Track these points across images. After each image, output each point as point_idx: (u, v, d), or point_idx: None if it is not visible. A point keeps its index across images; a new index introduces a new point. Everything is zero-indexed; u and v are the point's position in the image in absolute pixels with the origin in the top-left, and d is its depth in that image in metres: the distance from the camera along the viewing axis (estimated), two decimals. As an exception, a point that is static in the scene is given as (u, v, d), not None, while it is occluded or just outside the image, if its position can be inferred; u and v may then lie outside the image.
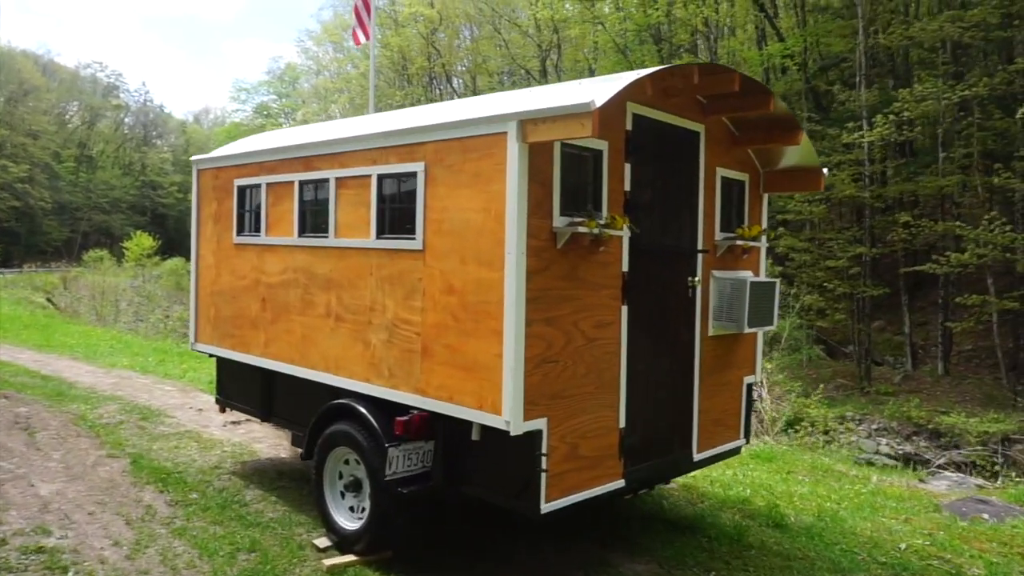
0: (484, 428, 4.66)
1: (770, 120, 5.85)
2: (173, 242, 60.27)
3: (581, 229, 4.56)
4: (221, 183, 6.91)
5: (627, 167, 5.11)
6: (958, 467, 12.56)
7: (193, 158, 7.33)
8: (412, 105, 39.53)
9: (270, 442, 8.39)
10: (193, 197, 7.32)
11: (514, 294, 4.34)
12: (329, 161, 5.67)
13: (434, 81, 49.69)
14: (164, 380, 12.36)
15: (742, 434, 6.46)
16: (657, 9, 32.92)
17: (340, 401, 5.46)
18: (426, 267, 4.89)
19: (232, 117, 68.48)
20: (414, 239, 4.96)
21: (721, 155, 5.98)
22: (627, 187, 5.11)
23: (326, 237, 5.70)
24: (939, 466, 11.23)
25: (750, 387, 6.53)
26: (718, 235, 5.98)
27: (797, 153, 6.14)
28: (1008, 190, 21.66)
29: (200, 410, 10.01)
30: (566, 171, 4.63)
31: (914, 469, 11.25)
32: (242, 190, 6.66)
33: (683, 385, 5.79)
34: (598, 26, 37.36)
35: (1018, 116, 20.33)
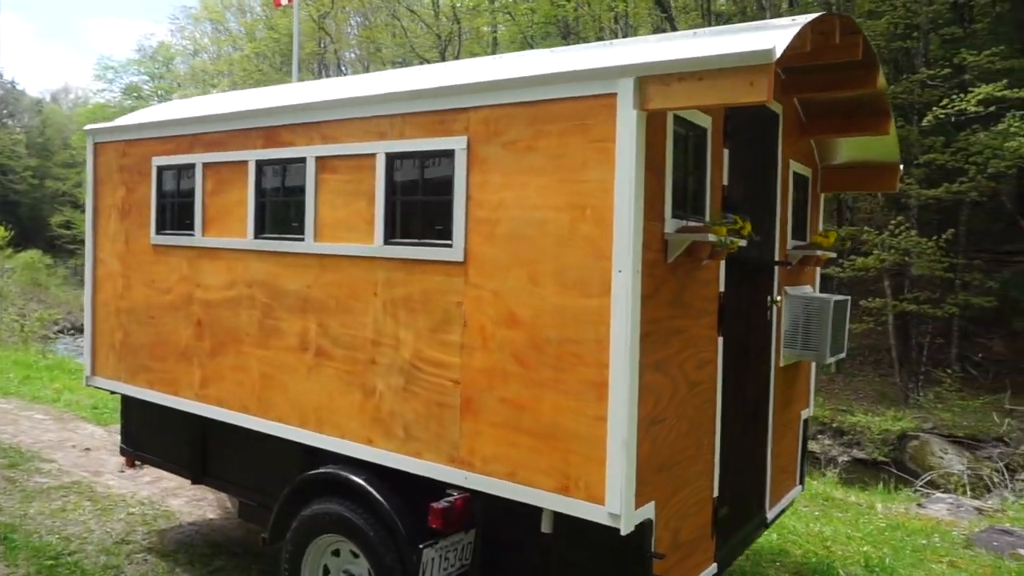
0: (560, 517, 3.28)
1: (855, 103, 4.77)
2: (27, 232, 54.07)
3: (704, 237, 3.27)
4: (133, 162, 5.11)
5: (725, 154, 3.86)
6: (931, 483, 12.28)
7: (88, 127, 5.45)
8: (306, 90, 37.11)
9: (188, 496, 6.58)
10: (88, 181, 5.44)
11: (626, 331, 2.98)
12: (306, 133, 4.08)
13: (326, 68, 46.98)
14: (33, 405, 10.04)
15: (799, 479, 5.40)
16: (569, 0, 32.14)
17: (328, 470, 3.90)
18: (469, 286, 3.44)
19: (96, 98, 62.37)
20: (449, 246, 3.49)
21: (791, 145, 4.85)
22: (725, 180, 3.87)
23: (300, 240, 4.11)
24: (919, 484, 10.81)
25: (806, 423, 5.47)
26: (789, 243, 4.86)
27: (875, 145, 5.11)
28: (905, 195, 22.28)
29: (87, 449, 7.97)
30: (676, 156, 3.32)
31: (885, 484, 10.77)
32: (165, 172, 4.90)
33: (760, 430, 4.62)
34: (503, 17, 36.19)
35: (918, 125, 20.88)
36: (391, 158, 3.70)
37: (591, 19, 34.10)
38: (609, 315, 3.02)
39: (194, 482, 5.08)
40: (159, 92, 57.77)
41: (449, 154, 3.49)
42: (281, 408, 4.22)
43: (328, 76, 45.67)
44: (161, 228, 4.94)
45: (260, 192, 4.32)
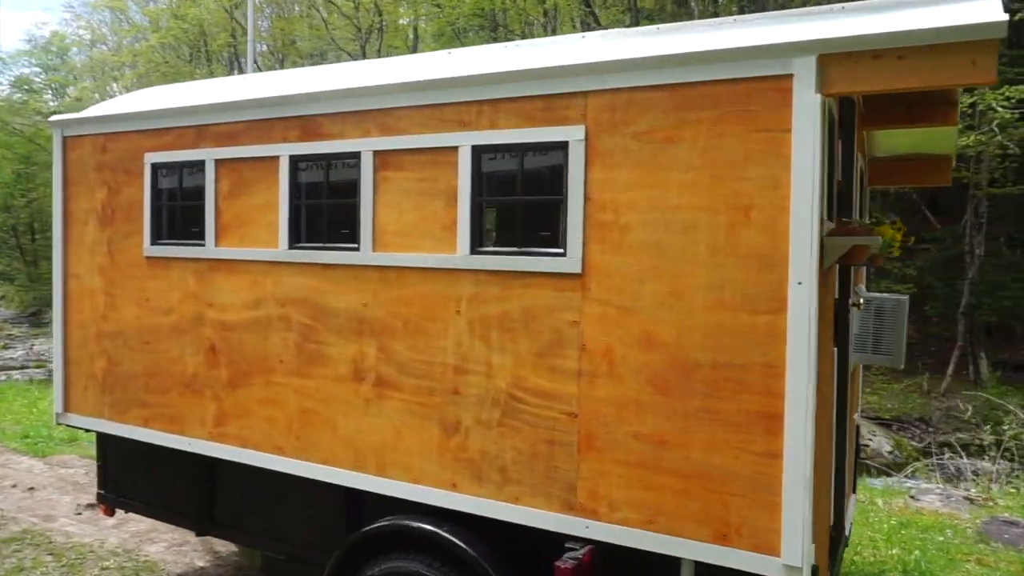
0: (705, 569, 2.82)
1: (920, 91, 4.51)
2: None
3: (871, 240, 2.87)
4: (117, 159, 4.30)
5: (839, 145, 3.49)
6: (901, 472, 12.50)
7: (56, 118, 4.58)
8: (221, 83, 35.27)
9: (166, 541, 5.76)
10: (56, 181, 4.58)
11: (806, 353, 2.55)
12: (360, 123, 3.44)
13: (239, 60, 44.76)
14: (-52, 438, 8.82)
15: (854, 487, 5.14)
16: (499, -9, 31.63)
17: (403, 521, 3.30)
18: (589, 302, 2.92)
19: (-21, 91, 57.49)
20: (561, 255, 2.96)
21: (857, 136, 4.55)
22: (839, 175, 3.50)
23: (353, 250, 3.47)
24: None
25: (858, 428, 5.22)
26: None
27: (932, 137, 4.87)
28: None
29: (31, 489, 6.94)
30: (825, 148, 2.91)
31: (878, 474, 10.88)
32: (162, 171, 4.14)
33: (841, 441, 4.30)
34: (427, 9, 35.31)
35: None
36: (478, 152, 3.14)
37: (516, 13, 33.73)
38: (783, 335, 2.57)
39: (199, 534, 4.34)
40: (53, 85, 53.77)
41: (560, 147, 2.95)
42: (328, 448, 3.58)
43: (240, 70, 43.53)
44: (158, 237, 4.17)
45: (296, 193, 3.65)
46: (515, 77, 3.03)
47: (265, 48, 46.42)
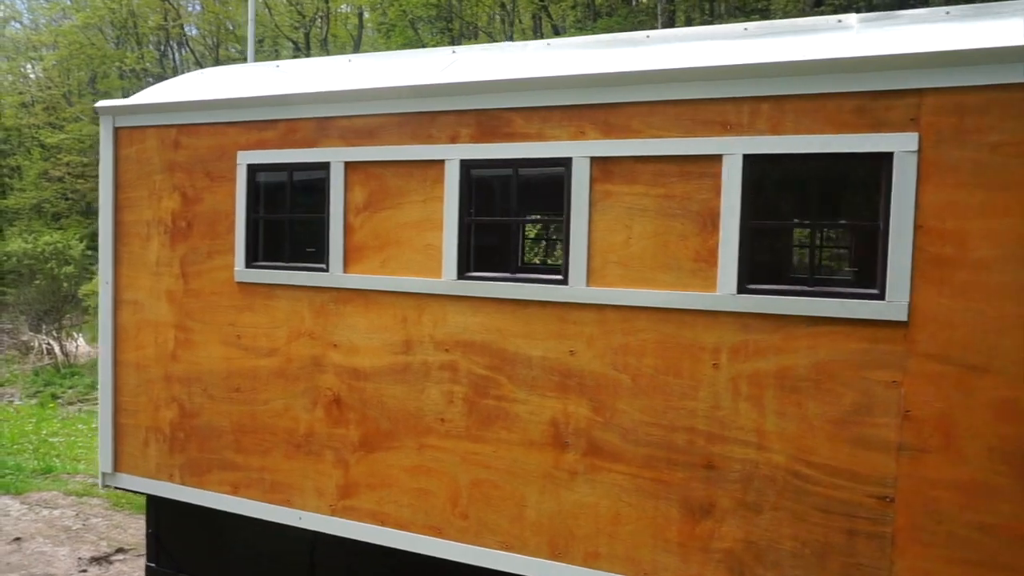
0: None
1: None
2: None
3: None
4: (195, 158, 3.41)
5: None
6: None
7: (103, 104, 3.62)
8: (150, 71, 33.04)
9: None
10: (104, 184, 3.63)
11: None
12: (568, 121, 2.70)
13: (168, 44, 42.26)
14: None
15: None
16: (458, -18, 30.70)
17: (637, 633, 2.59)
18: (917, 358, 2.28)
19: None
20: (877, 298, 2.31)
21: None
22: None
23: (559, 284, 2.73)
24: None
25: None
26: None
27: None
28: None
29: (17, 540, 5.84)
30: None
31: None
32: (262, 174, 3.28)
33: None
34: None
35: None
36: (752, 162, 2.45)
37: (472, 3, 32.84)
38: None
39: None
40: (-40, 64, 49.73)
41: (878, 159, 2.30)
42: (511, 531, 2.83)
43: (174, 55, 41.06)
44: (255, 258, 3.30)
45: (467, 208, 2.87)
46: (812, 68, 2.36)
47: (195, 32, 44.15)
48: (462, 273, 2.88)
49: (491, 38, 31.55)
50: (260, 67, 3.86)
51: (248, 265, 3.30)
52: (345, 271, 3.09)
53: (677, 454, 2.58)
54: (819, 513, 2.41)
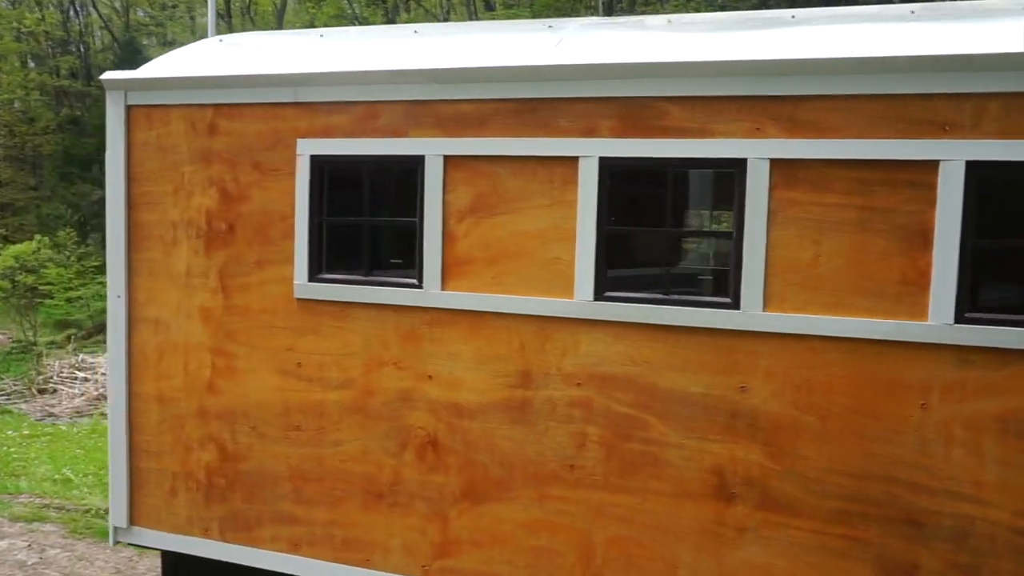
0: None
1: None
2: None
3: None
4: (239, 146, 2.78)
5: None
6: None
7: (110, 76, 2.93)
8: (52, 35, 30.38)
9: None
10: (114, 175, 2.95)
11: None
12: (744, 115, 2.27)
13: (75, 6, 39.09)
14: None
15: None
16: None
17: None
18: None
19: None
20: None
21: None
22: None
23: (727, 307, 2.31)
24: None
25: None
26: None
27: None
28: None
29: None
30: None
31: None
32: (330, 167, 2.70)
33: None
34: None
35: None
36: (978, 171, 2.09)
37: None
38: None
39: None
40: None
41: None
42: (660, 597, 2.41)
43: (79, 17, 38.01)
44: (320, 269, 2.73)
45: (606, 215, 2.40)
46: (1061, 61, 2.01)
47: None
48: (600, 293, 2.41)
49: (426, 11, 30.41)
50: (297, 35, 3.25)
51: (313, 278, 2.72)
52: (444, 288, 2.58)
53: (868, 507, 2.22)
54: (1049, 577, 2.10)
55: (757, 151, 2.26)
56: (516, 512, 2.54)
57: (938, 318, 2.13)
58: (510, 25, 2.99)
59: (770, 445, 2.29)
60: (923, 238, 2.15)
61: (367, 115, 2.64)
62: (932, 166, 2.12)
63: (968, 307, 2.12)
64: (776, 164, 2.25)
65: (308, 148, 2.70)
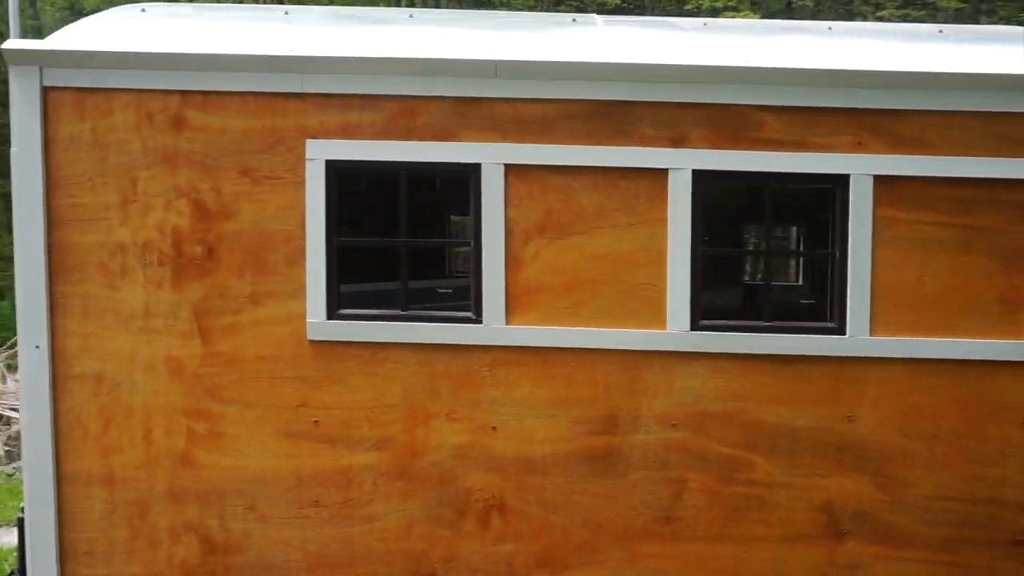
0: None
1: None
2: None
3: None
4: (219, 145, 2.14)
5: None
6: None
7: (15, 46, 2.11)
8: None
9: None
10: (26, 179, 2.14)
11: None
12: (844, 126, 2.12)
13: None
14: None
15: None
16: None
17: None
18: None
19: None
20: None
21: None
22: None
23: (833, 333, 2.14)
24: None
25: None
26: None
27: None
28: None
29: None
30: None
31: None
32: (351, 175, 2.16)
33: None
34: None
35: None
36: (1073, 190, 2.12)
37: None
38: None
39: None
40: None
41: None
42: (761, 648, 2.21)
43: None
44: (339, 305, 2.17)
45: (701, 235, 2.14)
46: None
47: None
48: (696, 323, 2.15)
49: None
50: (257, 11, 2.61)
51: (332, 315, 2.17)
52: (509, 322, 2.16)
53: (978, 531, 2.19)
54: None
55: (858, 166, 2.13)
56: (601, 577, 2.20)
57: (1036, 336, 2.15)
58: (532, 18, 2.61)
59: (878, 476, 2.18)
60: (1021, 257, 2.15)
61: (402, 112, 2.15)
62: None
63: (1055, 326, 2.16)
64: (880, 181, 2.13)
65: (323, 151, 2.14)
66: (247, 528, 2.21)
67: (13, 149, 2.17)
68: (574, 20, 2.55)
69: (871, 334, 2.16)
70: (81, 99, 2.16)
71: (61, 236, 2.18)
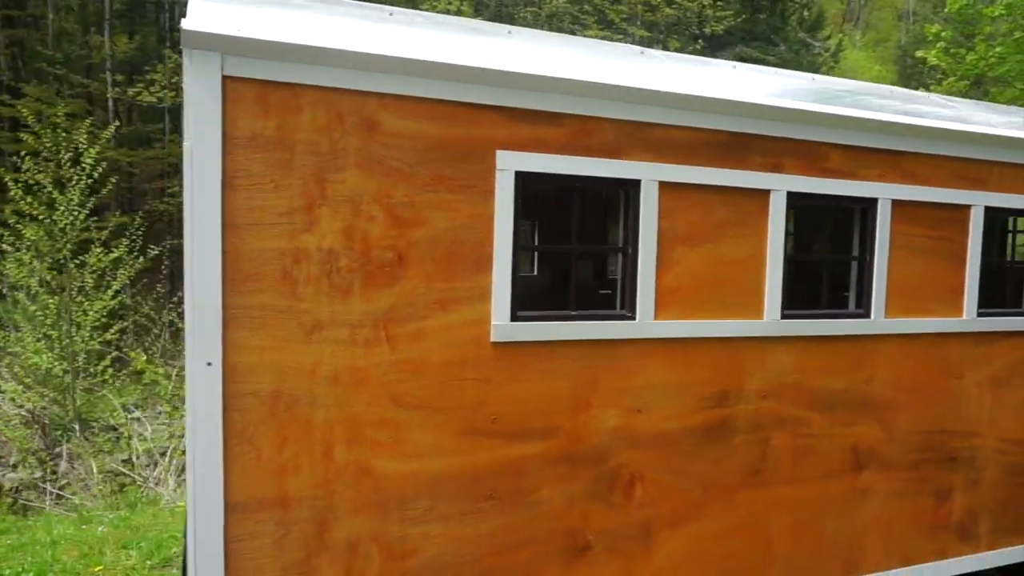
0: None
1: None
2: None
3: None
4: (414, 153, 2.09)
5: None
6: None
7: (194, 29, 1.77)
8: None
9: None
10: (202, 177, 1.84)
11: None
12: (875, 162, 2.79)
13: None
14: None
15: None
16: None
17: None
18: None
19: None
20: (1040, 316, 3.24)
21: None
22: None
23: (860, 318, 2.84)
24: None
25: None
26: None
27: None
28: None
29: None
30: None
31: None
32: (534, 184, 2.24)
33: None
34: None
35: None
36: (989, 213, 3.05)
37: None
38: None
39: None
40: None
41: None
42: (810, 564, 2.88)
43: None
44: (522, 305, 2.27)
45: (782, 243, 2.66)
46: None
47: None
48: (784, 312, 2.69)
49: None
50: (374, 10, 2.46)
51: (515, 317, 2.27)
52: (656, 318, 2.47)
53: (932, 453, 3.09)
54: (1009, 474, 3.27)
55: (884, 192, 2.83)
56: (710, 526, 2.67)
57: (968, 315, 3.07)
58: (609, 47, 2.82)
59: (882, 421, 2.95)
60: (960, 259, 3.04)
61: (581, 131, 2.31)
62: (966, 209, 3.01)
63: (980, 307, 3.11)
64: (896, 204, 2.86)
65: (512, 162, 2.22)
66: (424, 531, 2.24)
67: (186, 144, 1.88)
68: (642, 52, 2.85)
69: (886, 316, 2.91)
70: (265, 93, 1.94)
71: (236, 242, 1.95)
